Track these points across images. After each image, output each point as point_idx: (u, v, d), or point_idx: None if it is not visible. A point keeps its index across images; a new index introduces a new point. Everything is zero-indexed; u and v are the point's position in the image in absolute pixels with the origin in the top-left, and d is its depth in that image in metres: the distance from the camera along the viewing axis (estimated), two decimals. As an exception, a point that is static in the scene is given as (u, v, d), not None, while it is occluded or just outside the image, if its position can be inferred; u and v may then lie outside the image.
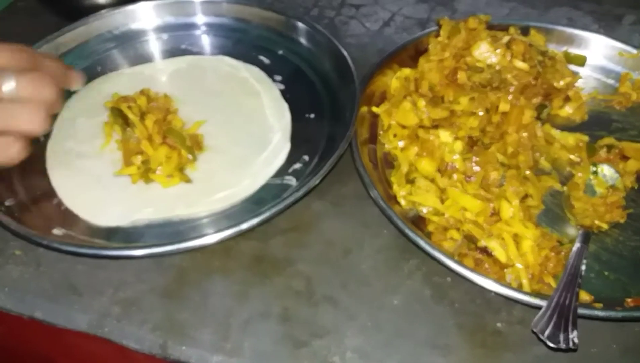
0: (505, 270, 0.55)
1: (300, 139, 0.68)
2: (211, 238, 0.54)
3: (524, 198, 0.59)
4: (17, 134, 0.52)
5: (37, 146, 0.67)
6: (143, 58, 0.79)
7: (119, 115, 0.63)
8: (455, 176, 0.60)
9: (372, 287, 0.55)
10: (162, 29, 0.83)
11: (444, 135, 0.62)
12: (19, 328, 0.59)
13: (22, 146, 0.53)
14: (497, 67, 0.69)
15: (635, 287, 0.54)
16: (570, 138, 0.67)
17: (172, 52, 0.80)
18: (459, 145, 0.61)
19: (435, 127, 0.64)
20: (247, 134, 0.68)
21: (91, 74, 0.76)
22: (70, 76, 0.59)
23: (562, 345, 0.45)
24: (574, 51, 0.78)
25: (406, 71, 0.74)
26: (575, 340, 0.46)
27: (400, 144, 0.66)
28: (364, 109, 0.68)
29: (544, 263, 0.55)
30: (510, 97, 0.66)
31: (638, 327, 0.52)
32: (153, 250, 0.54)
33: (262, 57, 0.79)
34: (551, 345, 0.46)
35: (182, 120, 0.67)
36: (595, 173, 0.63)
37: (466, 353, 0.50)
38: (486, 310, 0.53)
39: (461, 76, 0.69)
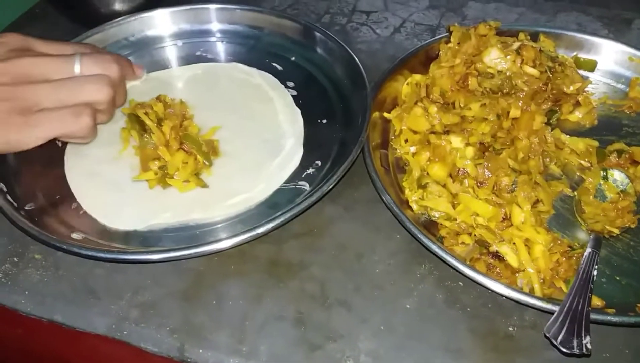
0: (517, 274, 0.55)
1: (313, 145, 0.69)
2: (227, 243, 0.55)
3: (535, 203, 0.59)
4: (86, 105, 0.58)
5: (56, 150, 0.68)
6: (159, 65, 0.81)
7: (136, 121, 0.64)
8: (466, 182, 0.61)
9: (385, 291, 0.56)
10: (177, 35, 0.84)
11: (456, 141, 0.63)
12: (38, 331, 0.60)
13: (93, 117, 0.58)
14: (508, 73, 0.69)
15: (647, 292, 0.55)
16: (580, 143, 0.68)
17: (187, 58, 0.82)
18: (470, 151, 0.62)
19: (447, 132, 0.65)
20: (261, 139, 0.69)
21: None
22: (132, 67, 0.69)
23: (576, 351, 0.46)
24: (584, 55, 0.79)
25: (417, 77, 0.74)
26: (589, 346, 0.46)
27: (412, 149, 0.67)
28: (376, 114, 0.69)
29: (555, 268, 0.56)
30: (520, 103, 0.66)
31: (650, 332, 0.52)
32: (170, 254, 0.55)
33: (275, 64, 0.80)
34: (565, 350, 0.46)
35: (197, 126, 0.68)
36: (605, 178, 0.64)
37: (478, 357, 0.51)
38: (498, 314, 0.54)
39: (472, 82, 0.70)
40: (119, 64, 0.62)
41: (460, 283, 0.56)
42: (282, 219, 0.56)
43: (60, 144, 0.69)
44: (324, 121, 0.72)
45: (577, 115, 0.73)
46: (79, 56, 0.60)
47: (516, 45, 0.71)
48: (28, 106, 0.56)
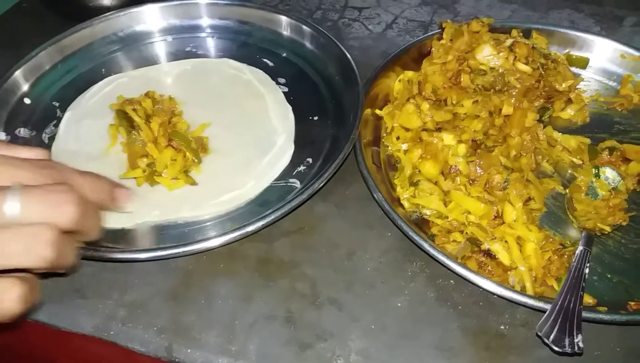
0: (509, 272, 0.55)
1: (304, 142, 0.68)
2: (217, 241, 0.54)
3: (527, 200, 0.59)
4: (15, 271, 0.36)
5: (42, 146, 0.67)
6: (148, 60, 0.80)
7: (124, 117, 0.63)
8: (458, 179, 0.60)
9: (376, 289, 0.55)
10: (167, 31, 0.83)
11: (448, 138, 0.62)
12: (23, 330, 0.59)
13: (21, 292, 0.36)
14: (500, 70, 0.69)
15: (638, 290, 0.55)
16: (572, 141, 0.68)
17: (177, 54, 0.81)
18: (462, 148, 0.61)
19: (439, 130, 0.64)
20: (251, 136, 0.68)
21: (96, 76, 0.77)
22: (116, 195, 0.42)
23: (568, 350, 0.45)
24: (576, 53, 0.78)
25: (409, 74, 0.74)
26: (581, 344, 0.46)
27: (404, 146, 0.66)
28: (368, 111, 0.68)
29: (547, 265, 0.55)
30: (513, 100, 0.66)
31: (641, 330, 0.52)
32: (159, 253, 0.54)
33: (266, 60, 0.79)
34: (556, 349, 0.46)
35: (187, 122, 0.67)
36: (597, 175, 0.63)
37: (470, 355, 0.50)
38: (490, 312, 0.53)
39: (464, 79, 0.69)
40: (78, 205, 0.37)
41: (451, 281, 0.56)
42: (272, 217, 0.56)
43: (46, 141, 0.68)
44: (316, 118, 0.71)
45: (569, 112, 0.72)
46: (17, 191, 0.35)
47: (509, 42, 0.71)
48: None
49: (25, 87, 0.73)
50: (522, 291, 0.52)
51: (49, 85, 0.75)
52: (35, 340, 0.60)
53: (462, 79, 0.70)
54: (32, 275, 0.38)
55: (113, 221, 0.59)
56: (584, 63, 0.78)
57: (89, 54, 0.79)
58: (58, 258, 0.36)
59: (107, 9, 0.81)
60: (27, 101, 0.72)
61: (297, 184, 0.63)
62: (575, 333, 0.46)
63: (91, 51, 0.79)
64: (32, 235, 0.35)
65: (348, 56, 0.73)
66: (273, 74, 0.77)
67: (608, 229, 0.59)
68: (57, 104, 0.73)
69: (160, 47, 0.82)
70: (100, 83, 0.76)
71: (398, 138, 0.67)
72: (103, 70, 0.78)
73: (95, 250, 0.55)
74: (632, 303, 0.53)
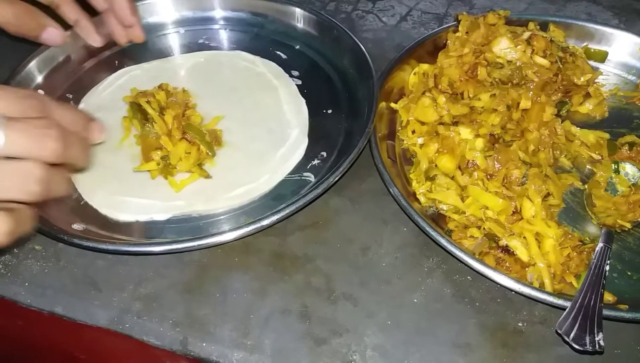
0: (527, 269, 0.54)
1: (318, 135, 0.68)
2: (231, 235, 0.54)
3: (546, 196, 0.58)
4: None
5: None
6: (161, 52, 0.79)
7: (138, 110, 0.63)
8: (476, 174, 0.59)
9: (392, 285, 0.55)
10: (179, 23, 0.83)
11: (465, 132, 0.61)
12: (38, 323, 0.59)
13: (7, 228, 0.38)
14: (518, 64, 0.68)
15: (658, 288, 0.54)
16: (591, 135, 0.67)
17: (190, 46, 0.80)
18: (480, 142, 0.60)
19: (455, 123, 0.63)
20: (265, 129, 0.68)
21: (109, 69, 0.77)
22: (91, 128, 0.44)
23: (589, 348, 0.45)
24: (594, 46, 0.77)
25: (424, 67, 0.73)
26: (602, 343, 0.45)
27: (420, 140, 0.65)
28: (383, 105, 0.67)
29: (566, 262, 0.54)
30: (530, 94, 0.65)
31: (663, 329, 0.51)
32: (173, 246, 0.54)
33: (279, 52, 0.78)
34: (577, 347, 0.45)
35: (200, 115, 0.66)
36: (616, 171, 0.62)
37: (487, 353, 0.50)
38: (507, 309, 0.53)
39: (481, 72, 0.68)
40: (58, 139, 0.39)
41: (468, 277, 0.55)
42: (286, 211, 0.55)
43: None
44: (330, 111, 0.70)
45: (587, 106, 0.71)
46: (2, 123, 0.37)
47: (526, 35, 0.70)
48: None
49: (39, 78, 0.73)
50: (541, 288, 0.52)
51: (63, 77, 0.75)
52: (50, 332, 0.60)
53: (478, 72, 0.68)
54: (24, 205, 0.40)
55: (126, 214, 0.59)
56: (602, 57, 0.77)
57: (102, 46, 0.78)
58: (47, 192, 0.40)
59: (120, 1, 0.80)
60: (41, 92, 0.72)
61: (312, 178, 0.63)
62: (596, 332, 0.46)
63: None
64: (21, 172, 0.38)
65: (362, 48, 0.72)
66: (286, 66, 0.76)
67: (628, 225, 0.58)
68: (71, 96, 0.73)
69: (173, 39, 0.81)
70: (114, 75, 0.75)
71: (414, 132, 0.66)
72: (116, 62, 0.78)
73: (110, 243, 0.55)
74: (654, 301, 0.52)
